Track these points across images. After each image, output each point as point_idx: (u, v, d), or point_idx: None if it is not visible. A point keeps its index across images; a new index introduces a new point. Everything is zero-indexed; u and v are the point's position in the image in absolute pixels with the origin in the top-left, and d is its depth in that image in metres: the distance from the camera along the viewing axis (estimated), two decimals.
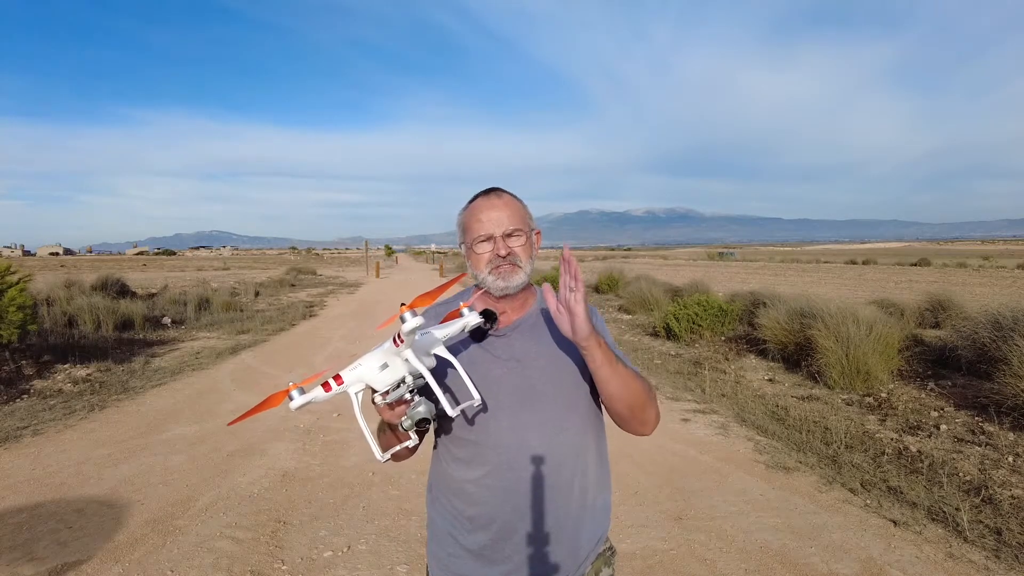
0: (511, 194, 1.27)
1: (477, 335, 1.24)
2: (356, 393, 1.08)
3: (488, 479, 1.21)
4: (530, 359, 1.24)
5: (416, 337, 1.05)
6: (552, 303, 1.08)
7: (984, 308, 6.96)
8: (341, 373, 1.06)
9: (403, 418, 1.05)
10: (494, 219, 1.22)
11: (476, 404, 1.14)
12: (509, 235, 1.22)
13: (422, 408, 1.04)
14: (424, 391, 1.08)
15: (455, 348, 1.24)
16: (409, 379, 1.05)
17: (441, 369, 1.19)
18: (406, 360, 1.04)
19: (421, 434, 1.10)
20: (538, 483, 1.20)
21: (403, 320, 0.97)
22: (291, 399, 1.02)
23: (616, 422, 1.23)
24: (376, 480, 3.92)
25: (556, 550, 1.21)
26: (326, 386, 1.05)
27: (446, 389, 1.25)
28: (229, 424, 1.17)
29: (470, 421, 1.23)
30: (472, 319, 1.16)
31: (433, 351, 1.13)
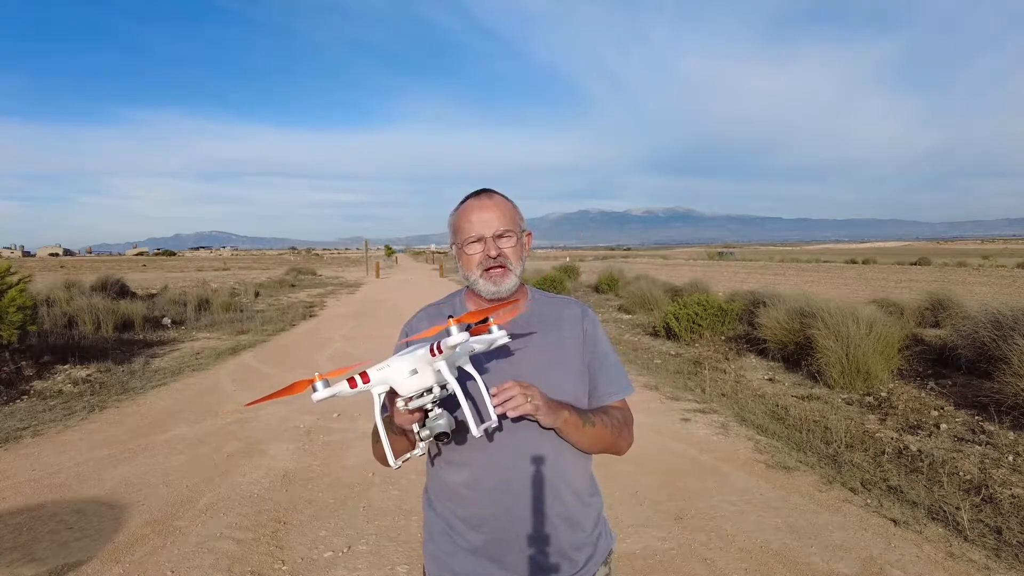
0: (502, 195, 1.28)
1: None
2: (379, 394, 1.05)
3: (478, 480, 1.22)
4: (519, 359, 1.25)
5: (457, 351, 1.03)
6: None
7: (984, 307, 6.96)
8: (368, 371, 1.02)
9: (422, 428, 1.03)
10: (485, 220, 1.23)
11: (494, 425, 1.11)
12: (500, 236, 1.23)
13: (443, 421, 1.02)
14: (444, 403, 1.05)
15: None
16: (437, 389, 1.02)
17: (461, 382, 1.18)
18: (438, 371, 1.01)
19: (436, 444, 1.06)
20: (527, 481, 1.21)
21: (448, 333, 0.95)
22: (315, 390, 0.97)
23: None
24: (376, 480, 3.92)
25: (551, 547, 1.22)
26: (351, 382, 1.01)
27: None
28: (246, 405, 1.17)
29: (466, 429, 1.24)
30: (500, 337, 1.08)
31: (458, 363, 1.10)
